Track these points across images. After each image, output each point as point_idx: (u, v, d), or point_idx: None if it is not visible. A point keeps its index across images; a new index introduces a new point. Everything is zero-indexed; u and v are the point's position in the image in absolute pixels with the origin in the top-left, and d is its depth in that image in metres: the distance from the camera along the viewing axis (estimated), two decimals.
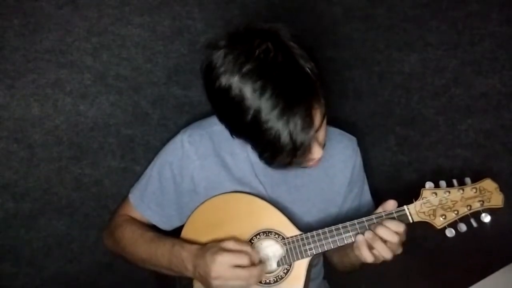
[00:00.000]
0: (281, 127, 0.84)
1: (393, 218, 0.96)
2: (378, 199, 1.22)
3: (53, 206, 1.24)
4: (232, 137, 0.96)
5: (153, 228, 1.12)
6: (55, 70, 1.14)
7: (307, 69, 0.87)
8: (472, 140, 1.15)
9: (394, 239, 0.93)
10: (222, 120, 0.96)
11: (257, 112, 0.84)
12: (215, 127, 1.09)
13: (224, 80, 0.86)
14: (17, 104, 1.13)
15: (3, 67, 1.10)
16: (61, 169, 1.22)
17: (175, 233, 1.10)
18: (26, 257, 1.25)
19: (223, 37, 0.90)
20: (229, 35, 0.90)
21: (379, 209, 0.99)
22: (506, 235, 1.06)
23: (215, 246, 0.96)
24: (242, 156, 1.08)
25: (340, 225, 0.99)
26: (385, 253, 0.93)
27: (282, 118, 0.84)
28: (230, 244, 0.96)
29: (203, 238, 1.03)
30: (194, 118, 1.21)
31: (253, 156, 1.08)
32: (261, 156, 0.92)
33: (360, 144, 1.18)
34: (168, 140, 1.13)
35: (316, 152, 0.94)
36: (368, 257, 0.95)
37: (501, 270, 1.04)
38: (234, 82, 0.85)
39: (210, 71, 0.89)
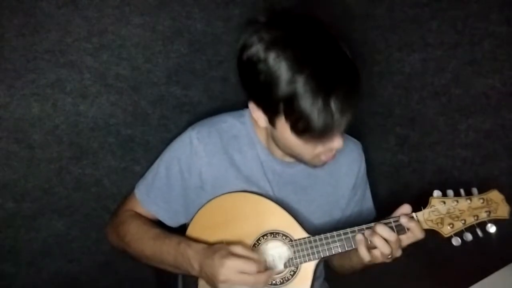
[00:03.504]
0: (321, 100, 0.84)
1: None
2: (377, 199, 1.22)
3: (53, 206, 1.24)
4: (264, 113, 0.94)
5: (159, 224, 1.12)
6: (55, 70, 1.14)
7: (347, 51, 0.89)
8: (472, 140, 1.15)
9: (394, 237, 0.94)
10: (255, 95, 0.94)
11: (296, 81, 0.84)
12: (223, 125, 1.09)
13: (263, 53, 0.86)
14: (17, 104, 1.13)
15: (3, 67, 1.09)
16: (61, 169, 1.22)
17: (180, 230, 1.10)
18: (26, 257, 1.25)
19: (261, 14, 0.90)
20: (268, 14, 0.90)
21: (395, 213, 0.99)
22: (506, 235, 1.06)
23: (224, 249, 0.96)
24: (251, 154, 1.08)
25: (348, 229, 0.99)
26: (384, 249, 0.93)
27: (322, 91, 0.84)
28: (239, 250, 0.96)
29: (209, 237, 1.03)
30: (194, 118, 1.21)
31: (263, 154, 1.08)
32: (293, 127, 0.90)
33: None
34: (168, 140, 1.13)
35: (337, 141, 0.94)
36: (365, 256, 0.96)
37: (501, 270, 1.04)
38: (274, 53, 0.85)
39: (249, 46, 0.89)
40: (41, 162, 1.19)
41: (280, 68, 0.85)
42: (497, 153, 1.12)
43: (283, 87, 0.85)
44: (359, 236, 0.96)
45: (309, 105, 0.84)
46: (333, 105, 0.85)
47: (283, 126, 0.92)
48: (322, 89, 0.84)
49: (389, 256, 0.95)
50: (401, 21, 1.22)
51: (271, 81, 0.86)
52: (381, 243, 0.93)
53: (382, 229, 0.94)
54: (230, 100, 1.32)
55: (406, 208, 0.98)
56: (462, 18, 1.10)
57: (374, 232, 0.95)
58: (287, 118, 0.90)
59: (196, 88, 1.30)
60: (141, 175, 1.15)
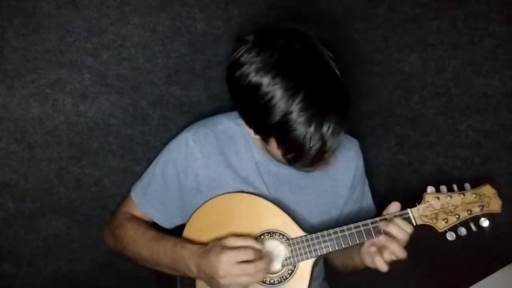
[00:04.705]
0: (313, 130, 0.85)
1: None
2: (378, 199, 1.22)
3: (53, 206, 1.24)
4: (256, 134, 0.96)
5: (155, 226, 1.12)
6: (55, 70, 1.14)
7: (337, 72, 0.89)
8: (472, 140, 1.15)
9: (404, 236, 0.94)
10: (247, 118, 0.96)
11: (288, 112, 0.85)
12: (220, 126, 1.09)
13: (254, 78, 0.87)
14: (17, 104, 1.13)
15: (3, 67, 1.10)
16: (61, 169, 1.22)
17: (177, 231, 1.10)
18: (26, 257, 1.25)
19: (251, 33, 0.90)
20: (258, 33, 0.90)
21: (384, 213, 1.00)
22: (505, 235, 1.06)
23: (217, 245, 0.96)
24: (247, 155, 1.08)
25: (345, 227, 1.00)
26: (399, 253, 0.94)
27: (314, 121, 0.84)
28: (232, 241, 0.96)
29: (206, 238, 1.03)
30: (194, 118, 1.21)
31: (258, 155, 1.08)
32: (284, 155, 0.92)
33: (360, 144, 1.18)
34: (168, 140, 1.13)
35: (330, 159, 0.95)
36: (383, 267, 0.95)
37: (501, 270, 1.04)
38: (266, 80, 0.85)
39: (239, 66, 0.89)
40: (41, 162, 1.19)
41: (274, 97, 0.85)
42: (497, 153, 1.12)
43: (277, 116, 0.86)
44: (372, 249, 0.96)
45: (302, 136, 0.85)
46: (325, 133, 0.86)
47: (275, 147, 0.93)
48: (315, 119, 0.85)
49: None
50: (401, 21, 1.22)
51: (264, 109, 0.87)
52: (396, 246, 0.94)
53: (396, 230, 0.95)
54: (230, 100, 1.32)
55: (395, 206, 0.99)
56: (462, 18, 1.10)
57: (389, 237, 0.95)
58: (279, 145, 0.91)
59: (196, 88, 1.30)
60: (141, 175, 1.15)
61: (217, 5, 1.25)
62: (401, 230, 0.94)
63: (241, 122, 1.08)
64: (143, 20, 1.19)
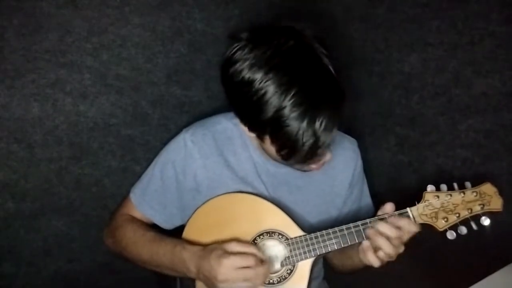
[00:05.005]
0: (305, 125, 0.85)
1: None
2: (377, 199, 1.22)
3: (53, 206, 1.24)
4: (250, 131, 0.96)
5: (154, 227, 1.12)
6: (55, 70, 1.14)
7: (331, 68, 0.89)
8: (472, 140, 1.15)
9: (395, 234, 0.93)
10: (241, 115, 0.96)
11: (281, 108, 0.85)
12: (218, 126, 1.09)
13: (247, 74, 0.87)
14: (17, 104, 1.13)
15: (3, 67, 1.09)
16: (61, 169, 1.22)
17: (177, 232, 1.10)
18: (26, 257, 1.25)
19: (245, 30, 0.90)
20: (252, 30, 0.90)
21: (379, 213, 0.99)
22: (506, 235, 1.06)
23: (219, 248, 0.96)
24: (245, 155, 1.08)
25: (344, 226, 1.00)
26: (388, 249, 0.93)
27: (307, 116, 0.84)
28: (234, 246, 0.96)
29: (206, 239, 1.03)
30: (194, 118, 1.21)
31: (255, 155, 1.08)
32: (278, 151, 0.92)
33: (360, 144, 1.18)
34: (168, 140, 1.13)
35: (326, 156, 0.95)
36: (374, 262, 0.95)
37: (501, 270, 1.04)
38: (259, 76, 0.85)
39: (232, 63, 0.89)
40: (41, 162, 1.19)
41: (267, 93, 0.85)
42: (497, 153, 1.12)
43: (270, 112, 0.86)
44: (365, 243, 0.96)
45: (295, 131, 0.86)
46: (318, 128, 0.85)
47: (269, 145, 0.94)
48: (308, 114, 0.85)
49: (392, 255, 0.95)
50: (401, 21, 1.22)
51: (257, 105, 0.87)
52: (384, 242, 0.93)
53: (383, 227, 0.94)
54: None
55: (389, 207, 0.98)
56: (462, 18, 1.10)
57: (376, 231, 0.94)
58: (273, 141, 0.92)
59: (196, 88, 1.30)
60: (141, 175, 1.15)
61: (217, 5, 1.25)
62: (393, 229, 0.93)
63: (237, 121, 1.08)
64: (143, 20, 1.19)
